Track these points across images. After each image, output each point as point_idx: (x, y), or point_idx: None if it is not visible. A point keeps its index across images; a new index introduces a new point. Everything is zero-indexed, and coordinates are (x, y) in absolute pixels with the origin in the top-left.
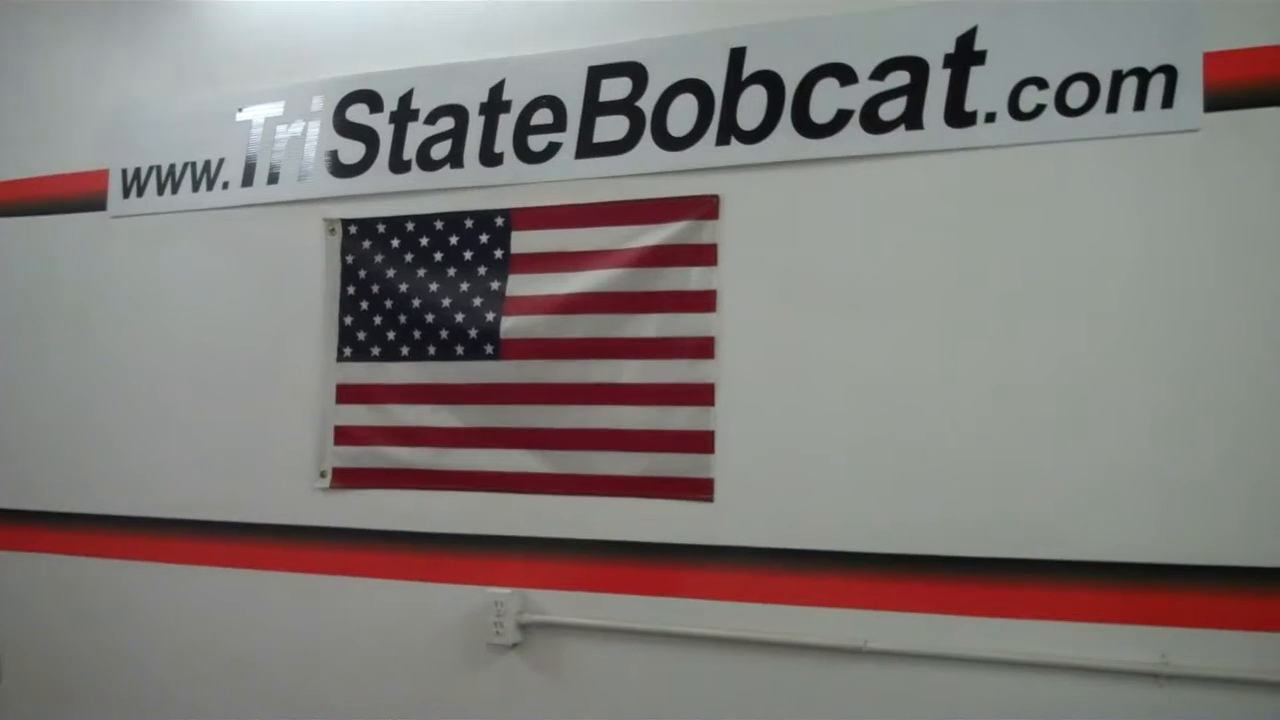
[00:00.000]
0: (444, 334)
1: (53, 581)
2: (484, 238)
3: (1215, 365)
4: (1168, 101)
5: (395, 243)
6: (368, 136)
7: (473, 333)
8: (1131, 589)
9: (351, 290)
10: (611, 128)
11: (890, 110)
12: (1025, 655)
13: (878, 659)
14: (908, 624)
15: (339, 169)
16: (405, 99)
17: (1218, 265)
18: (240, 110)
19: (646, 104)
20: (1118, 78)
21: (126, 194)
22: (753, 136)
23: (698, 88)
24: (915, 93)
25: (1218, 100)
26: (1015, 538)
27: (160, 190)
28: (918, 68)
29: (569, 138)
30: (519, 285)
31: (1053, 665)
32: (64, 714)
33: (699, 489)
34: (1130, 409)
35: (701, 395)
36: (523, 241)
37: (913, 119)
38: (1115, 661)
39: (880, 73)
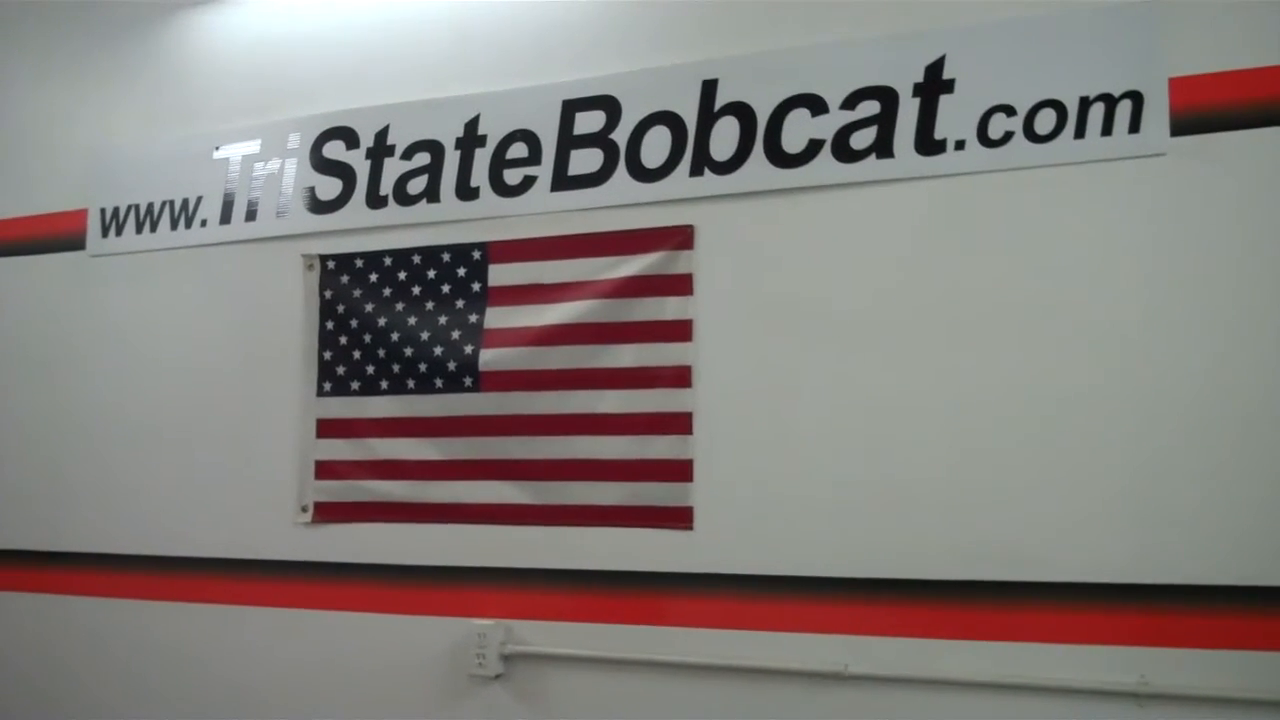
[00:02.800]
0: (423, 367)
1: (34, 621)
2: (461, 271)
3: (1188, 386)
4: (1134, 126)
5: (373, 277)
6: (344, 173)
7: (451, 366)
8: (1110, 610)
9: (330, 325)
10: (586, 160)
11: (861, 139)
12: (1006, 678)
13: (859, 684)
14: (888, 648)
15: (316, 205)
16: (381, 135)
17: (1186, 287)
18: (217, 148)
19: (620, 136)
20: (1085, 104)
21: (105, 233)
22: (726, 167)
23: (670, 120)
24: (885, 121)
25: (1184, 124)
26: (995, 561)
27: (139, 229)
28: (888, 97)
29: (544, 171)
30: (497, 318)
31: (1033, 687)
32: None
33: (678, 518)
34: (1106, 431)
35: (679, 424)
36: (500, 274)
37: (883, 148)
38: (1095, 683)
39: (851, 102)
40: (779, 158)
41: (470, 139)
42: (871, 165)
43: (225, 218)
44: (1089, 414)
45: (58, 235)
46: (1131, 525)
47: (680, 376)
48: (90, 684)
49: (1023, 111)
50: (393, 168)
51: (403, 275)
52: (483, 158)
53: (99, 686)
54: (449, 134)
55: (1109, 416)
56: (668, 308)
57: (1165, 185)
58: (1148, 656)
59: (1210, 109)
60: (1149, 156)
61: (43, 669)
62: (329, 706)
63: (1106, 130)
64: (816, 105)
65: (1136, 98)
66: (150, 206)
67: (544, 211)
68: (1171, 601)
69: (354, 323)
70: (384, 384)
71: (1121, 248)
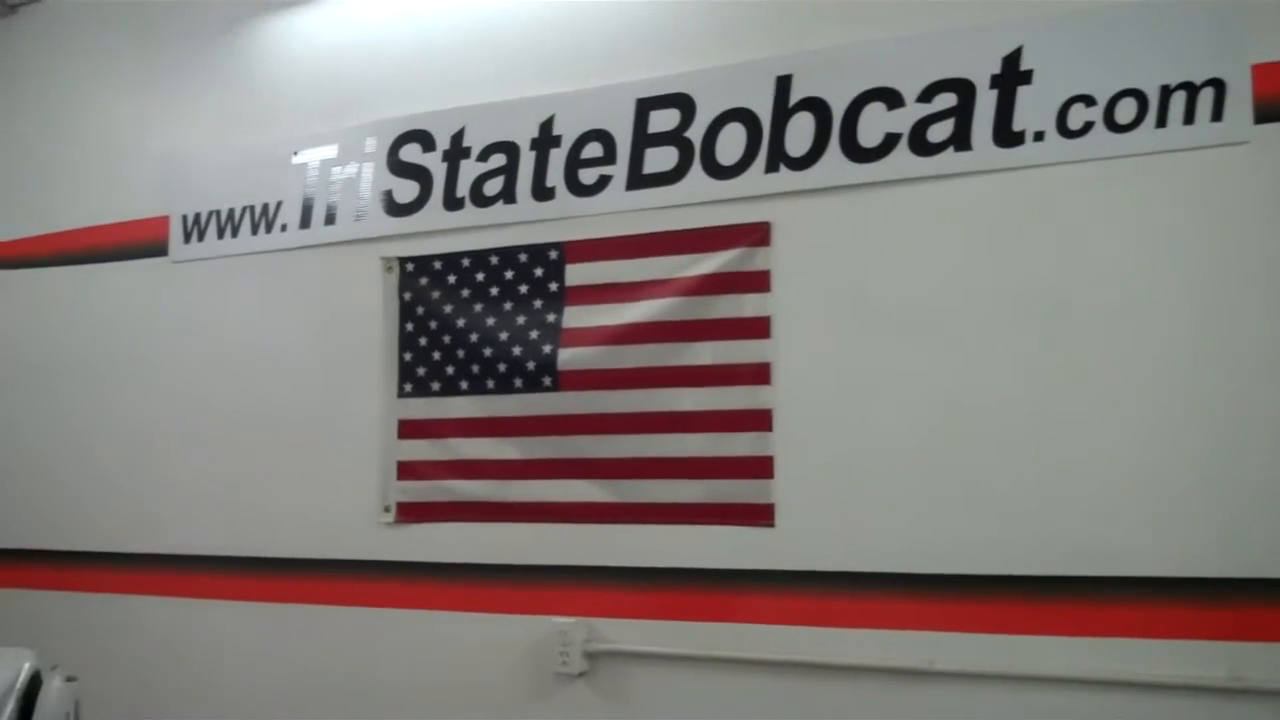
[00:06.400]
0: (502, 367)
1: (127, 622)
2: (538, 271)
3: (1274, 378)
4: (1217, 115)
5: (452, 279)
6: (421, 175)
7: (531, 365)
8: (1201, 604)
9: (410, 327)
10: (661, 159)
11: (938, 132)
12: (1093, 673)
13: (946, 680)
14: (974, 644)
15: (394, 208)
16: (457, 137)
17: (1272, 277)
18: (295, 153)
19: (695, 134)
20: (1166, 92)
21: (188, 239)
22: (801, 163)
23: (745, 116)
24: (963, 114)
25: (1267, 112)
26: (1081, 555)
27: (220, 234)
28: (964, 89)
29: (619, 170)
30: (575, 317)
31: (1122, 682)
32: None
33: (760, 514)
34: (1194, 425)
35: (759, 421)
36: (577, 274)
37: (961, 140)
38: (1184, 677)
39: (927, 95)
40: (855, 152)
41: (545, 139)
42: (949, 158)
43: (305, 222)
44: (1174, 407)
45: (141, 242)
46: (1221, 518)
47: (759, 374)
48: (179, 682)
49: (1103, 101)
50: (469, 169)
51: (481, 276)
52: (558, 158)
53: (188, 685)
54: (524, 135)
55: (1194, 410)
56: (746, 305)
57: (1249, 173)
58: (1239, 651)
59: None
60: (1232, 145)
61: (133, 669)
62: (414, 705)
63: (1188, 119)
64: (892, 99)
65: (1219, 85)
66: (230, 212)
67: (620, 210)
68: (1263, 595)
69: (433, 324)
70: (464, 384)
71: (1204, 237)
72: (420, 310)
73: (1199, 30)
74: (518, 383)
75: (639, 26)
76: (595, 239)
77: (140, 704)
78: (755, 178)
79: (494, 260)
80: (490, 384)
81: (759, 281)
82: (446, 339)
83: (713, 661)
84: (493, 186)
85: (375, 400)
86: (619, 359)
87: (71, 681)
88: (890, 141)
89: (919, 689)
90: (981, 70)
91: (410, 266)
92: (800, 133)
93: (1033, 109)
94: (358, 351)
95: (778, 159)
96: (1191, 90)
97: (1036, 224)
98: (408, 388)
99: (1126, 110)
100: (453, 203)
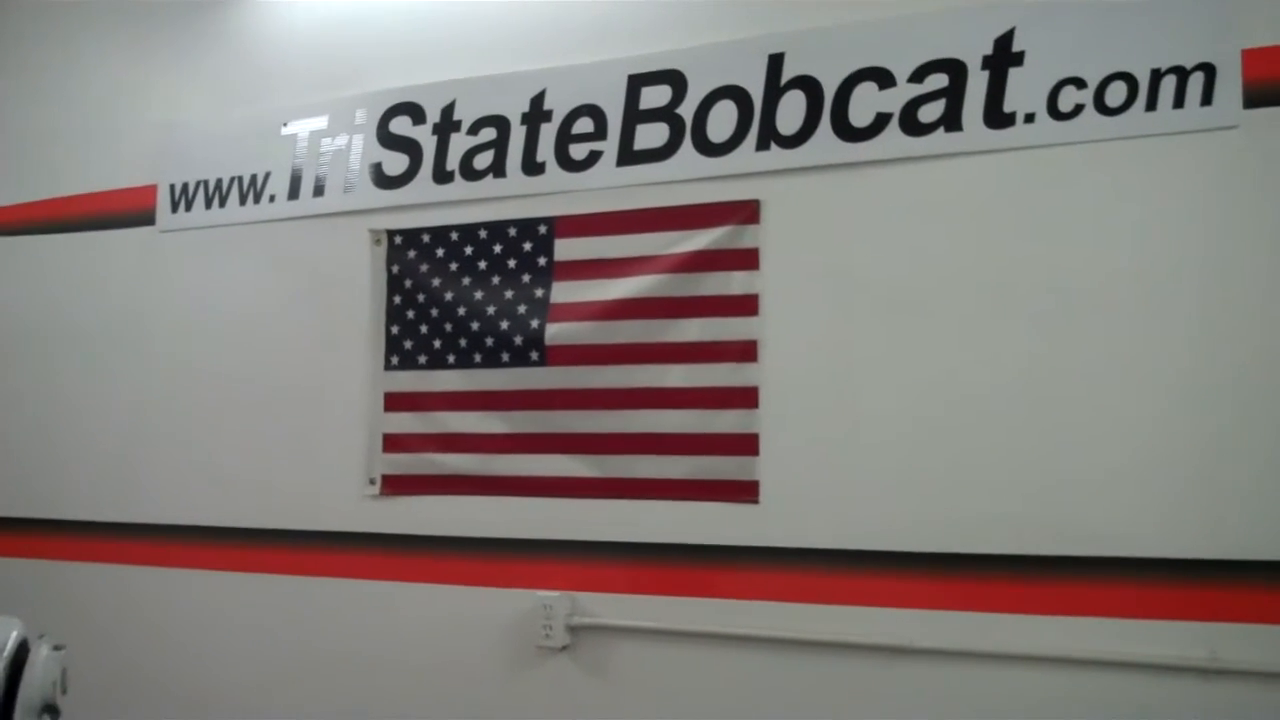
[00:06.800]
0: (489, 341)
1: (110, 591)
2: (527, 246)
3: (1261, 364)
4: (1207, 99)
5: (440, 252)
6: (411, 148)
7: (518, 340)
8: (1180, 585)
9: (397, 300)
10: (652, 135)
11: (929, 113)
12: (1073, 652)
13: (925, 658)
14: (955, 622)
15: (383, 180)
16: (447, 110)
17: (1260, 261)
18: (285, 124)
19: (686, 111)
20: (1156, 76)
21: (175, 208)
22: (792, 141)
23: (737, 94)
24: (954, 95)
25: (1257, 96)
26: (1062, 535)
27: (208, 204)
28: (956, 70)
29: (610, 146)
30: (563, 292)
31: (1101, 662)
32: None
33: (744, 491)
34: (1176, 408)
35: (745, 398)
36: (566, 249)
37: (952, 121)
38: (1164, 657)
39: (919, 76)
40: (846, 131)
41: (536, 114)
42: (940, 139)
43: (293, 193)
44: (1161, 390)
45: (128, 211)
46: (1203, 500)
47: (746, 351)
48: (163, 653)
49: (1093, 84)
50: (459, 143)
51: (469, 250)
52: (548, 133)
53: (171, 655)
54: (515, 109)
55: (1178, 393)
56: (734, 282)
57: (1238, 158)
58: (1218, 631)
59: None
60: (1221, 129)
61: (116, 638)
62: (395, 676)
63: (1178, 103)
64: (884, 79)
65: (1209, 70)
66: (219, 182)
67: (610, 186)
68: (1243, 577)
69: (421, 297)
70: (451, 358)
71: (1193, 221)
72: (408, 283)
73: (1190, 14)
74: (505, 357)
75: (632, 3)
76: (585, 214)
77: (125, 672)
78: (746, 155)
79: (483, 234)
80: (477, 358)
81: (748, 259)
82: (434, 312)
83: (695, 637)
84: (483, 160)
85: (361, 373)
86: (606, 334)
87: (59, 650)
88: (881, 121)
89: (900, 666)
90: (973, 51)
91: (398, 239)
92: (791, 111)
93: (1024, 91)
94: (344, 324)
95: (768, 137)
96: (1182, 74)
97: (1026, 205)
98: (394, 360)
99: (1117, 93)
100: (442, 176)
